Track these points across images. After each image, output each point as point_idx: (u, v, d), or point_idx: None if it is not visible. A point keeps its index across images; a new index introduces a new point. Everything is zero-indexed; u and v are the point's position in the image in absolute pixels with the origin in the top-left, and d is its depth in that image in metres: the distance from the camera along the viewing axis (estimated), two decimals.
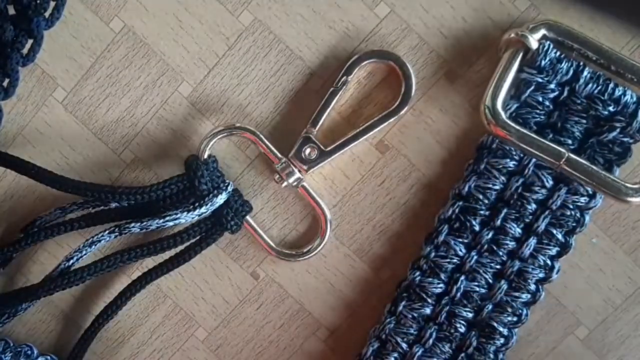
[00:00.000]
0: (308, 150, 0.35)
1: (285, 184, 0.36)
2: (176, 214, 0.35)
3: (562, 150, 0.33)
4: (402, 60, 0.34)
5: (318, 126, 0.35)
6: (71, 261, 0.36)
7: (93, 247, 0.36)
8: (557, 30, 0.33)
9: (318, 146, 0.35)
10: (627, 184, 0.33)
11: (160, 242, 0.36)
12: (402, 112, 0.35)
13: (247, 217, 0.36)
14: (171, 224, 0.35)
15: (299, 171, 0.35)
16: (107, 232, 0.36)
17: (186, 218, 0.35)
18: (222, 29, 0.36)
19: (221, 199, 0.35)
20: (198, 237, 0.36)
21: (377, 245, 0.37)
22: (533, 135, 0.33)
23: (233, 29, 0.35)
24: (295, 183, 0.36)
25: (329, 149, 0.35)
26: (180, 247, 0.36)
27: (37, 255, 0.38)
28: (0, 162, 0.35)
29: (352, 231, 0.37)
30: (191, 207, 0.35)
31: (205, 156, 0.35)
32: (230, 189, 0.35)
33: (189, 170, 0.35)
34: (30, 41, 0.35)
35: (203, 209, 0.35)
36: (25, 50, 0.35)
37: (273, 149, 0.35)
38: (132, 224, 0.35)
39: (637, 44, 0.34)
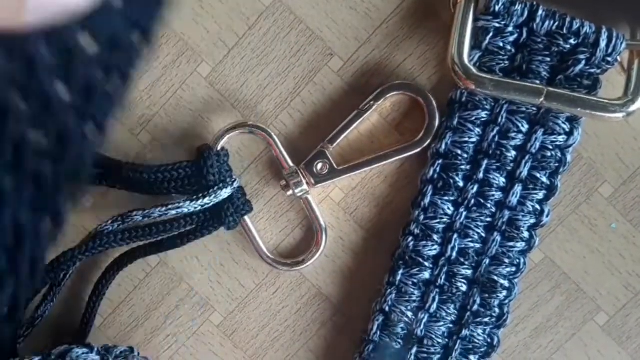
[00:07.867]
0: (320, 165, 0.35)
1: (290, 192, 0.35)
2: (179, 202, 0.35)
3: (540, 86, 0.33)
4: (429, 98, 0.35)
5: (335, 144, 0.35)
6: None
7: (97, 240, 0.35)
8: None
9: (330, 163, 0.35)
10: (611, 101, 0.33)
11: (155, 226, 0.35)
12: (424, 146, 0.35)
13: (246, 218, 0.36)
14: (174, 212, 0.35)
15: (307, 183, 0.35)
16: (110, 221, 0.35)
17: (189, 208, 0.35)
18: (242, 9, 0.35)
19: (225, 193, 0.35)
20: (193, 227, 0.35)
21: (398, 230, 0.36)
22: (507, 80, 0.33)
23: (253, 9, 0.35)
24: (300, 193, 0.35)
25: (340, 168, 0.35)
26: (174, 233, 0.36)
27: None
28: None
29: (371, 214, 0.36)
30: (194, 197, 0.35)
31: (219, 148, 0.35)
32: (236, 185, 0.35)
33: (200, 159, 0.35)
34: None
35: (207, 200, 0.35)
36: None
37: (285, 155, 0.35)
38: (135, 213, 0.35)
39: None
